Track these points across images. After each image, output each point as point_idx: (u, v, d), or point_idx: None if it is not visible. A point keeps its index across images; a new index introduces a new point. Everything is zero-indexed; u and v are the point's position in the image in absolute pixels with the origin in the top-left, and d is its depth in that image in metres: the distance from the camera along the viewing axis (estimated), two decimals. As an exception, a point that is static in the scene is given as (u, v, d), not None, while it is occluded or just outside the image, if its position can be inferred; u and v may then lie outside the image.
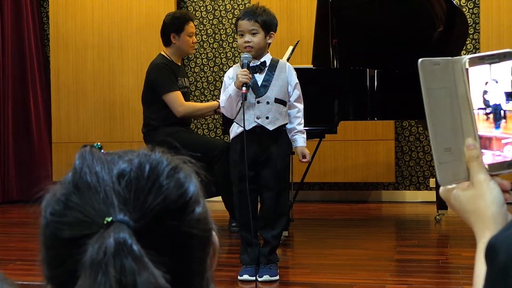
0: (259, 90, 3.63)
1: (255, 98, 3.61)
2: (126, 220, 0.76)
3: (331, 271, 3.82)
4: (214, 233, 0.87)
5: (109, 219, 0.75)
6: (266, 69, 3.67)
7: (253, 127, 3.61)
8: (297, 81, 3.73)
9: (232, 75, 3.64)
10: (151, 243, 0.76)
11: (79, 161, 0.82)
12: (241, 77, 3.49)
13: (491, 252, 0.86)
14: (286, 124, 3.70)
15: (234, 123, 3.68)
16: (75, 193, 0.79)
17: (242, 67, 3.57)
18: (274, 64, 3.70)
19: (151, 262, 0.74)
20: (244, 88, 3.48)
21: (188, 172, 0.84)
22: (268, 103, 3.62)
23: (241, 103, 3.50)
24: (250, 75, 3.54)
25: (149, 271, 0.73)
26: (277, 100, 3.64)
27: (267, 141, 3.65)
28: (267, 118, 3.61)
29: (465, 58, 1.02)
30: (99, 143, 0.85)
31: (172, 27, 5.01)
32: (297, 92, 3.73)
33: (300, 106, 3.74)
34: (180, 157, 0.85)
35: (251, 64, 3.62)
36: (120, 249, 0.72)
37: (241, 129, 3.57)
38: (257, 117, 3.61)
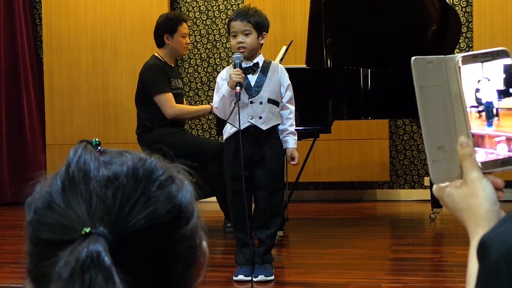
0: (252, 91, 3.63)
1: (248, 98, 3.62)
2: (105, 233, 0.72)
3: (326, 270, 3.82)
4: (204, 244, 0.84)
5: (88, 229, 0.72)
6: (259, 70, 3.68)
7: (247, 127, 3.61)
8: (289, 82, 3.74)
9: (225, 76, 3.65)
10: (127, 259, 0.73)
11: (72, 158, 0.79)
12: (235, 77, 3.50)
13: (483, 249, 0.86)
14: (279, 124, 3.70)
15: (227, 124, 3.68)
16: (60, 193, 0.77)
17: (235, 67, 3.58)
18: (266, 65, 3.71)
19: (123, 281, 0.71)
20: (237, 88, 3.48)
21: (181, 184, 0.81)
22: (261, 103, 3.63)
23: (235, 103, 3.50)
24: (243, 75, 3.54)
25: (115, 282, 0.70)
26: (270, 101, 3.65)
27: (260, 141, 3.65)
28: (260, 118, 3.62)
29: (458, 56, 1.03)
30: (97, 139, 0.82)
31: (166, 28, 5.01)
32: (289, 94, 3.74)
33: (292, 107, 3.75)
34: (176, 165, 0.82)
35: (244, 65, 3.62)
36: (92, 264, 0.70)
37: (234, 129, 3.58)
38: (250, 117, 3.61)
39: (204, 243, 0.84)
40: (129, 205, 0.75)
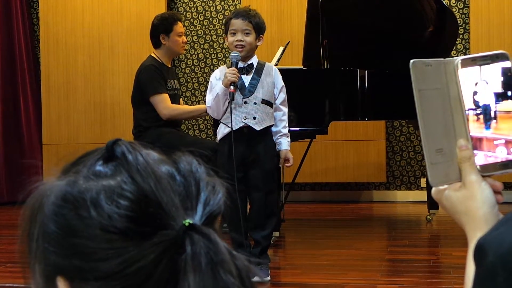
0: (246, 91, 3.63)
1: (243, 98, 3.62)
2: (200, 223, 0.75)
3: (322, 271, 3.82)
4: None
5: (190, 221, 0.74)
6: (253, 71, 3.68)
7: (241, 127, 3.61)
8: (283, 84, 3.74)
9: (219, 76, 3.64)
10: None
11: (128, 153, 0.77)
12: (230, 76, 3.49)
13: (479, 252, 0.86)
14: (272, 125, 3.70)
15: (221, 124, 3.67)
16: (133, 184, 0.75)
17: (231, 66, 3.57)
18: (260, 67, 3.71)
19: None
20: (232, 87, 3.48)
21: (223, 190, 0.82)
22: (255, 103, 3.63)
23: (229, 103, 3.50)
24: (238, 74, 3.54)
25: (239, 258, 0.75)
26: (264, 101, 3.65)
27: (254, 141, 3.65)
28: (254, 118, 3.62)
29: (458, 59, 1.03)
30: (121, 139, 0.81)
31: (161, 27, 5.01)
32: (282, 95, 3.74)
33: (285, 109, 3.75)
34: (209, 168, 0.83)
35: (239, 66, 3.62)
36: (225, 247, 0.74)
37: (228, 129, 3.57)
38: (244, 117, 3.61)
39: None
40: (197, 197, 0.77)
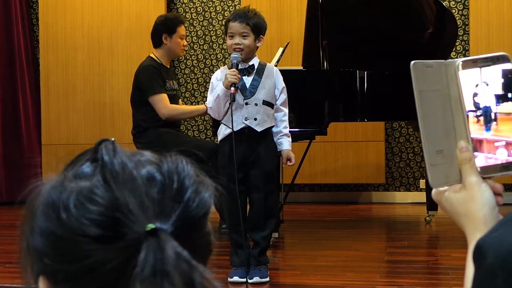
0: (247, 92, 3.63)
1: (243, 99, 3.61)
2: (167, 228, 0.74)
3: (321, 272, 3.82)
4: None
5: (152, 226, 0.73)
6: (254, 72, 3.68)
7: (241, 128, 3.60)
8: (284, 85, 3.74)
9: (220, 77, 3.64)
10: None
11: (107, 156, 0.77)
12: (230, 77, 3.49)
13: (479, 253, 0.86)
14: (273, 126, 3.70)
15: (222, 125, 3.67)
16: (105, 188, 0.75)
17: (231, 67, 3.57)
18: (261, 68, 3.71)
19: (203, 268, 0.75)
20: (232, 88, 3.48)
21: (211, 189, 0.82)
22: (256, 104, 3.62)
23: (229, 104, 3.50)
24: (239, 75, 3.54)
25: (198, 270, 0.74)
26: (265, 102, 3.64)
27: (255, 142, 3.64)
28: (255, 119, 3.61)
29: (458, 61, 1.03)
30: (113, 139, 0.81)
31: (165, 28, 5.01)
32: (283, 96, 3.73)
33: (286, 110, 3.75)
34: (201, 167, 0.83)
35: (239, 67, 3.62)
36: (179, 258, 0.72)
37: (229, 130, 3.57)
38: (245, 118, 3.61)
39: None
40: (170, 205, 0.76)
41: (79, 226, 0.74)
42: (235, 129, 3.52)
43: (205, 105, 4.87)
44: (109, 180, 0.76)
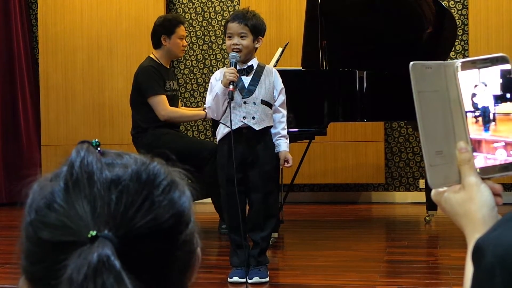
0: (246, 91, 3.63)
1: (242, 98, 3.62)
2: (111, 236, 0.72)
3: (321, 272, 3.82)
4: (198, 250, 0.84)
5: (94, 233, 0.72)
6: (253, 73, 3.68)
7: (240, 127, 3.60)
8: (283, 86, 3.74)
9: (219, 77, 3.65)
10: (130, 263, 0.72)
11: (75, 159, 0.78)
12: (229, 75, 3.50)
13: (478, 253, 0.86)
14: (271, 126, 3.70)
15: (220, 125, 3.67)
16: (63, 194, 0.76)
17: (230, 66, 3.58)
18: (260, 68, 3.71)
19: (133, 284, 0.71)
20: (231, 86, 3.48)
21: (182, 189, 0.81)
22: (254, 103, 3.63)
23: (228, 102, 3.50)
24: (237, 74, 3.54)
25: (124, 284, 0.70)
26: (264, 102, 3.65)
27: (254, 142, 3.65)
28: (253, 118, 3.62)
29: (458, 62, 1.03)
30: (97, 140, 0.81)
31: (164, 29, 5.01)
32: (282, 97, 3.74)
33: (284, 111, 3.76)
34: (175, 169, 0.82)
35: (238, 67, 3.62)
36: (104, 268, 0.70)
37: (227, 129, 3.57)
38: (243, 117, 3.61)
39: (199, 248, 0.84)
40: (133, 209, 0.75)
41: (36, 230, 0.76)
42: (233, 128, 3.52)
43: (205, 111, 4.88)
44: (69, 184, 0.76)
